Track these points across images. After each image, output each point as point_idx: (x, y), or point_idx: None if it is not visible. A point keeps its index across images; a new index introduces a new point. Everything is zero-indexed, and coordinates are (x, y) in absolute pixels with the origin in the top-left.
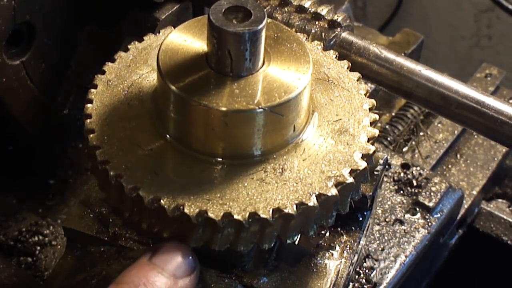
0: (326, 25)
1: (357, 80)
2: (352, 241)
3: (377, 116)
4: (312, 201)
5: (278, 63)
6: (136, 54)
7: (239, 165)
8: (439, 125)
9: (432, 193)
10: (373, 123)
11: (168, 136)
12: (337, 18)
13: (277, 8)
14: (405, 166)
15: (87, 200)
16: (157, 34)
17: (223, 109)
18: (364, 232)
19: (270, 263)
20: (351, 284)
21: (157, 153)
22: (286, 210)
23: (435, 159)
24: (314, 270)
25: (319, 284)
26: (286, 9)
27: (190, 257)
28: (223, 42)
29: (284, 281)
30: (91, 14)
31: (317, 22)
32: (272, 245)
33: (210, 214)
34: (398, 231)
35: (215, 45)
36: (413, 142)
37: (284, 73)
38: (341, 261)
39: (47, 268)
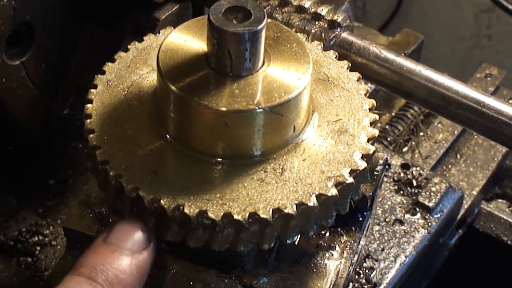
0: (326, 25)
1: (357, 80)
2: (352, 241)
3: (377, 116)
4: (312, 201)
5: (278, 63)
6: (136, 54)
7: (239, 165)
8: (439, 125)
9: (432, 193)
10: (373, 123)
11: (168, 136)
12: (337, 18)
13: (277, 8)
14: (405, 166)
15: (87, 200)
16: (157, 34)
17: (223, 109)
18: (364, 232)
19: (270, 263)
20: (351, 284)
21: (157, 153)
22: (286, 210)
23: (435, 159)
24: (314, 270)
25: (319, 284)
26: (286, 9)
27: (144, 231)
28: (223, 42)
29: (284, 281)
30: (91, 14)
31: (317, 22)
32: (272, 245)
33: (210, 214)
34: (398, 231)
35: (215, 45)
36: (413, 142)
37: (284, 73)
38: (341, 261)
39: (47, 268)
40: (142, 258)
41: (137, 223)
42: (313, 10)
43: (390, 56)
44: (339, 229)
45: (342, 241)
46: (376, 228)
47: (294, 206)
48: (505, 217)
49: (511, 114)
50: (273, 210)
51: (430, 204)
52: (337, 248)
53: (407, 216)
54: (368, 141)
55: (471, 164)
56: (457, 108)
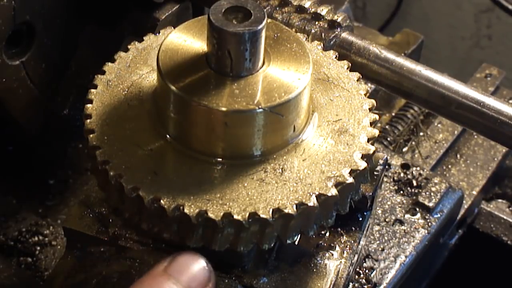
0: (326, 25)
1: (357, 80)
2: (352, 241)
3: (377, 116)
4: (312, 201)
5: (278, 63)
6: (136, 54)
7: (239, 165)
8: (439, 125)
9: (432, 193)
10: (373, 123)
11: (168, 136)
12: (337, 18)
13: (277, 8)
14: (405, 166)
15: (87, 200)
16: (157, 34)
17: (223, 109)
18: (364, 232)
19: (270, 263)
20: (351, 284)
21: (157, 153)
22: (286, 210)
23: (435, 159)
24: (314, 270)
25: (319, 284)
26: (286, 9)
27: (206, 268)
28: (223, 42)
29: (284, 281)
30: (91, 14)
31: (317, 22)
32: (272, 245)
33: (210, 214)
34: (398, 231)
35: (215, 45)
36: (413, 142)
37: (284, 73)
38: (341, 261)
39: (47, 268)
40: None
41: (200, 257)
42: (313, 10)
43: (390, 56)
44: (339, 229)
45: (342, 241)
46: (376, 228)
47: (294, 206)
48: (505, 217)
49: (511, 114)
50: (273, 210)
51: (430, 204)
52: (337, 248)
53: (407, 216)
54: (368, 141)
55: (471, 164)
56: (457, 108)
